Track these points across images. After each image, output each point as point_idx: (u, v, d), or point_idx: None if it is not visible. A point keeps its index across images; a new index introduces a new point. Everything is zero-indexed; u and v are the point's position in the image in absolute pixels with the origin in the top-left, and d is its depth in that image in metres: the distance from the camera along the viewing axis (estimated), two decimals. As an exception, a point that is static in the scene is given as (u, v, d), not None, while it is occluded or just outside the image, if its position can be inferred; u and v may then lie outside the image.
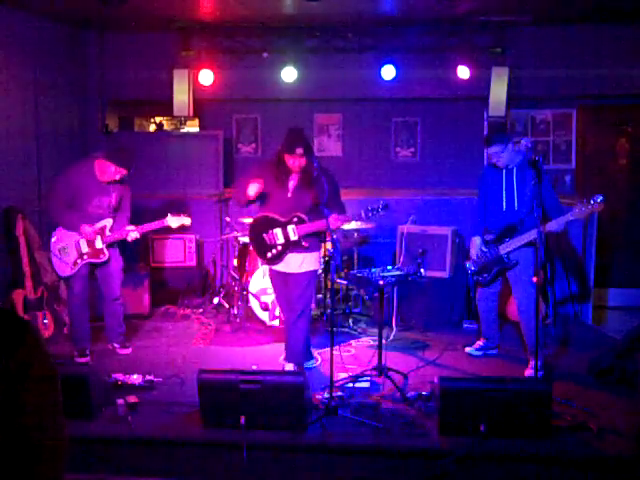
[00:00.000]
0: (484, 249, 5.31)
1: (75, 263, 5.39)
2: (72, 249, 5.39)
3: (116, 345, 5.71)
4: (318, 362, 5.38)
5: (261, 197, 5.03)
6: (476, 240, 5.38)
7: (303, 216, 4.93)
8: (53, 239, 5.44)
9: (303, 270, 5.03)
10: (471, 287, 6.94)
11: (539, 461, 3.78)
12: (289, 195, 4.99)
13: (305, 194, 4.96)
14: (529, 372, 5.02)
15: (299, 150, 4.81)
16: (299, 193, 4.98)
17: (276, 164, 4.96)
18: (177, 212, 5.62)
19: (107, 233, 5.40)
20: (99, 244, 5.39)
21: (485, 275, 5.32)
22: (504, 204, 5.20)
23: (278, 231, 4.98)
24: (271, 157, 5.15)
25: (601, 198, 4.72)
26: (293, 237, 4.96)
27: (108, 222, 5.42)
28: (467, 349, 5.67)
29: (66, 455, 1.42)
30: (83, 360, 5.44)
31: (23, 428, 1.34)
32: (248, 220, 6.55)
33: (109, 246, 5.46)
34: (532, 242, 4.96)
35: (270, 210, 5.03)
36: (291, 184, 4.99)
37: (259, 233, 5.06)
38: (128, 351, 5.71)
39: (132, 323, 6.43)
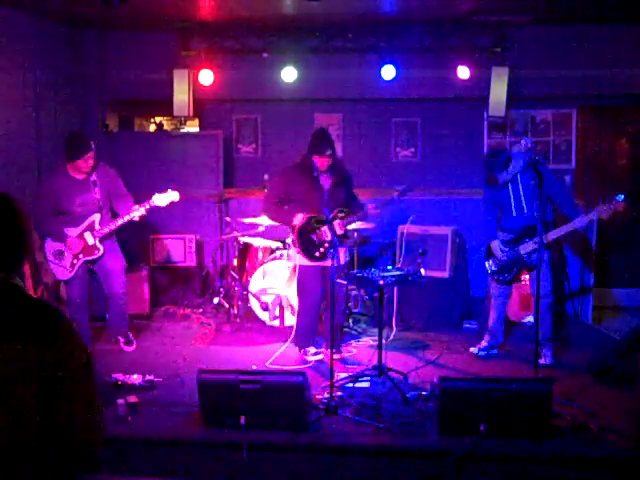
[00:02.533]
0: (504, 248, 5.37)
1: (72, 264, 5.38)
2: (66, 252, 5.38)
3: (121, 339, 5.75)
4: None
5: (290, 201, 5.37)
6: (495, 242, 5.43)
7: (346, 209, 5.27)
8: (46, 245, 5.42)
9: (342, 262, 5.33)
10: (471, 287, 6.96)
11: (539, 461, 3.78)
12: (325, 194, 5.30)
13: (339, 191, 5.36)
14: (541, 360, 5.18)
15: (327, 152, 5.21)
16: (333, 191, 5.33)
17: (307, 167, 5.29)
18: (164, 190, 5.49)
19: (97, 227, 5.37)
20: (90, 240, 5.36)
21: (506, 275, 5.42)
22: (513, 210, 5.33)
23: (326, 229, 5.23)
24: (294, 162, 5.45)
25: (622, 197, 4.87)
26: (339, 231, 5.26)
27: (96, 217, 5.38)
28: (472, 349, 5.66)
29: (102, 439, 1.45)
30: None
31: (62, 414, 1.37)
32: (249, 220, 6.57)
33: (105, 239, 5.42)
34: (551, 243, 5.17)
35: (310, 211, 5.29)
36: (325, 183, 5.32)
37: (307, 235, 5.32)
38: (132, 348, 5.75)
39: (132, 323, 6.41)
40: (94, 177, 5.35)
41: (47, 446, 1.35)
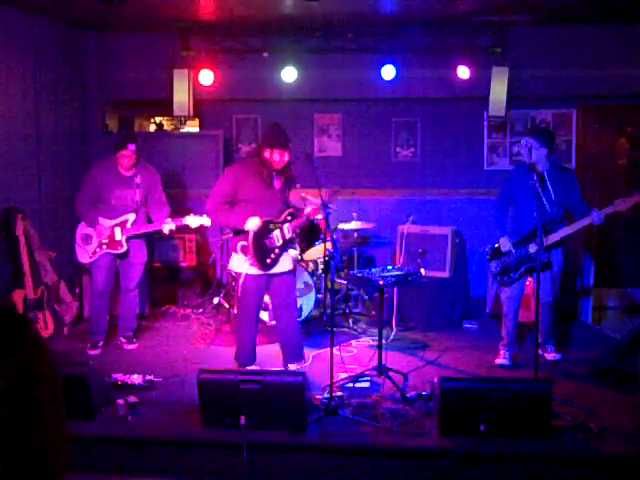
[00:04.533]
0: (512, 250, 5.27)
1: (94, 252, 5.59)
2: (94, 238, 5.59)
3: (123, 340, 5.83)
4: (307, 363, 5.28)
5: (243, 200, 4.92)
6: (505, 238, 5.33)
7: (294, 212, 5.03)
8: (78, 228, 5.66)
9: (290, 268, 5.10)
10: (471, 287, 6.96)
11: (539, 461, 3.78)
12: (278, 195, 4.99)
13: (286, 190, 5.08)
14: (550, 356, 5.36)
15: (289, 145, 4.87)
16: (283, 190, 5.05)
17: (259, 164, 4.87)
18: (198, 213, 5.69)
19: (128, 226, 5.55)
20: (118, 236, 5.55)
21: (512, 274, 5.28)
22: (537, 208, 5.18)
23: (277, 233, 4.96)
24: (244, 160, 5.21)
25: None
26: (288, 235, 5.00)
27: (131, 217, 5.57)
28: (497, 361, 5.33)
29: (67, 456, 1.42)
30: (94, 352, 5.60)
31: (23, 429, 1.34)
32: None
33: (134, 238, 5.61)
34: (560, 242, 5.14)
35: (264, 214, 4.89)
36: (276, 183, 4.96)
37: (261, 240, 4.90)
38: (134, 346, 5.81)
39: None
40: (139, 179, 5.53)
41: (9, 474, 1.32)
